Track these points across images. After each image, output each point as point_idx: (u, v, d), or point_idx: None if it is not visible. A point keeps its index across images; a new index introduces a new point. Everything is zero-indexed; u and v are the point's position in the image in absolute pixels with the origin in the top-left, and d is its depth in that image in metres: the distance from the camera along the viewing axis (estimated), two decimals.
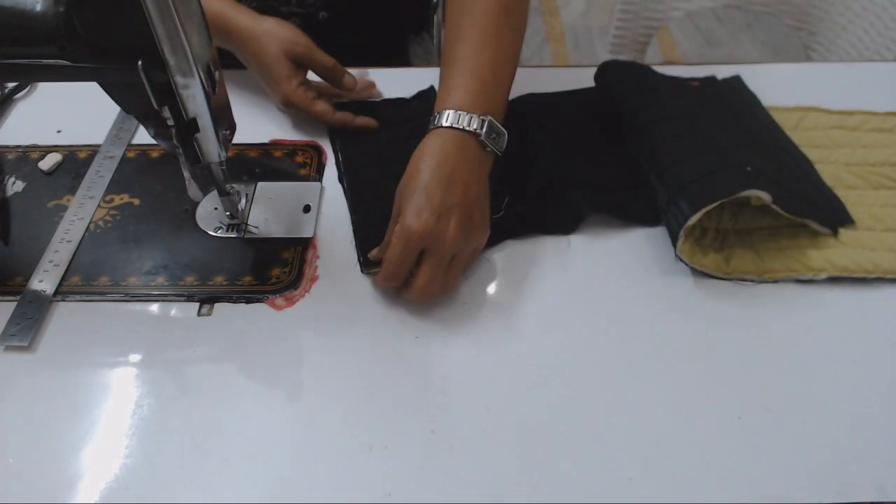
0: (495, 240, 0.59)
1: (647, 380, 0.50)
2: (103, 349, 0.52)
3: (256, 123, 0.70)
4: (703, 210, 0.53)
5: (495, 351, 0.52)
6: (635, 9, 1.16)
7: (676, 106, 0.64)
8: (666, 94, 0.66)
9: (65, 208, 0.61)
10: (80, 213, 0.61)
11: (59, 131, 0.69)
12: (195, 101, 0.47)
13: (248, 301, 0.55)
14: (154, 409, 0.49)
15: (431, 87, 0.73)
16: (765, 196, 0.54)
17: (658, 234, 0.59)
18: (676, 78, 0.72)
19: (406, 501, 0.44)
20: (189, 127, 0.48)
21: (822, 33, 1.10)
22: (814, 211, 0.58)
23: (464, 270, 0.55)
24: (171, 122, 0.48)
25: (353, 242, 0.59)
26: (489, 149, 0.55)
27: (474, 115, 0.54)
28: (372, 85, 0.74)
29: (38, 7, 0.43)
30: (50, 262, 0.57)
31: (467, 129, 0.53)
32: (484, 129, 0.54)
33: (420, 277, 0.51)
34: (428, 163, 0.52)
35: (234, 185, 0.58)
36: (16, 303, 0.54)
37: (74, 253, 0.58)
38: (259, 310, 0.54)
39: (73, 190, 0.63)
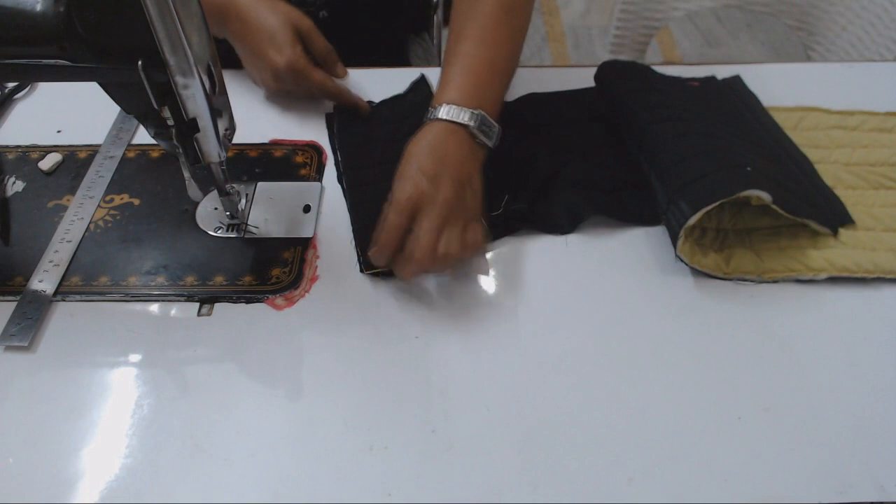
0: (494, 237, 0.59)
1: (647, 380, 0.50)
2: (103, 349, 0.52)
3: (256, 123, 0.70)
4: (703, 210, 0.53)
5: (495, 351, 0.52)
6: (635, 9, 1.16)
7: (676, 106, 0.64)
8: (666, 94, 0.66)
9: (65, 208, 0.61)
10: (80, 213, 0.61)
11: (59, 131, 0.69)
12: (195, 101, 0.47)
13: (248, 301, 0.55)
14: (154, 409, 0.49)
15: (422, 77, 0.73)
16: (765, 196, 0.54)
17: (658, 233, 0.59)
18: (676, 78, 0.72)
19: (406, 501, 0.44)
20: (189, 127, 0.48)
21: (822, 33, 1.10)
22: (814, 211, 0.58)
23: (459, 250, 0.52)
24: (171, 122, 0.48)
25: (353, 242, 0.59)
26: (480, 140, 0.57)
27: (466, 109, 0.56)
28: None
29: (38, 7, 0.43)
30: (50, 262, 0.57)
31: (459, 122, 0.56)
32: (475, 123, 0.56)
33: (412, 239, 0.51)
34: (422, 148, 0.55)
35: (234, 185, 0.58)
36: (16, 303, 0.54)
37: (74, 253, 0.58)
38: (259, 310, 0.54)
39: (73, 190, 0.63)
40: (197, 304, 0.55)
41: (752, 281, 0.56)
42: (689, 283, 0.56)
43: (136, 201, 0.62)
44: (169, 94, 0.46)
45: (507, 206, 0.60)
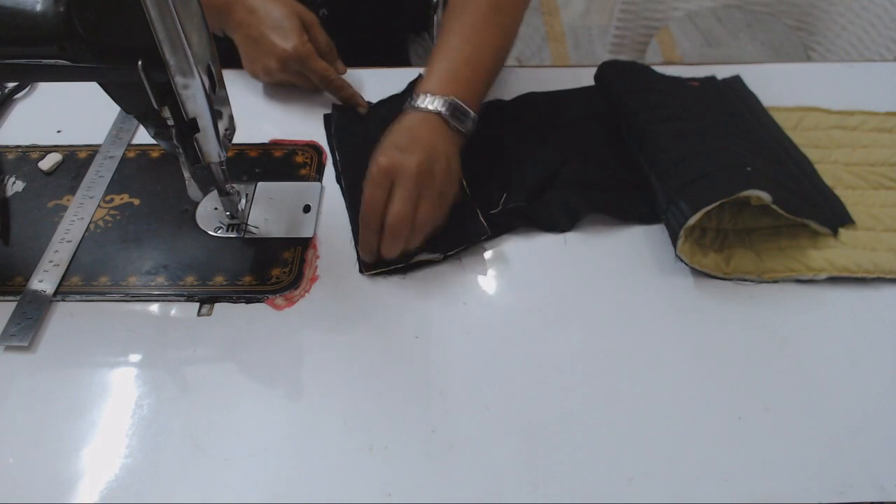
0: (493, 235, 0.59)
1: (647, 380, 0.50)
2: (103, 349, 0.52)
3: (256, 123, 0.70)
4: (703, 210, 0.53)
5: (495, 351, 0.52)
6: (635, 9, 1.16)
7: (676, 106, 0.64)
8: (666, 94, 0.66)
9: (65, 208, 0.61)
10: (80, 213, 0.61)
11: (59, 131, 0.69)
12: (195, 101, 0.47)
13: (248, 301, 0.55)
14: (154, 409, 0.49)
15: (420, 77, 0.73)
16: (765, 196, 0.54)
17: (658, 233, 0.59)
18: (676, 78, 0.72)
19: (406, 501, 0.44)
20: (189, 127, 0.48)
21: (822, 33, 1.10)
22: (814, 211, 0.58)
23: (434, 216, 0.56)
24: (171, 122, 0.48)
25: (352, 242, 0.59)
26: (453, 126, 0.60)
27: (438, 97, 0.60)
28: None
29: (38, 7, 0.43)
30: (50, 262, 0.57)
31: (431, 108, 0.59)
32: (446, 109, 0.59)
33: (390, 205, 0.54)
34: (397, 130, 0.59)
35: (234, 185, 0.58)
36: (16, 303, 0.54)
37: (74, 253, 0.58)
38: (259, 310, 0.54)
39: (73, 190, 0.63)
40: (197, 304, 0.55)
41: (752, 281, 0.56)
42: (689, 283, 0.56)
43: (136, 201, 0.62)
44: (169, 94, 0.46)
45: (505, 204, 0.60)
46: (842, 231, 0.59)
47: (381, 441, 0.47)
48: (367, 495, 0.44)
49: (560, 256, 0.58)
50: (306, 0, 0.78)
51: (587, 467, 0.46)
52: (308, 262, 0.58)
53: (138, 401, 0.49)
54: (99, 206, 0.62)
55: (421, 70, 0.72)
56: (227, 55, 0.67)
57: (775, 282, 0.56)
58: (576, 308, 0.55)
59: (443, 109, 0.59)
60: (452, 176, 0.58)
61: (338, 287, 0.56)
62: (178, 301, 0.55)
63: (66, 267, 0.56)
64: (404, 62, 0.93)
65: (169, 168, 0.64)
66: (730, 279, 0.56)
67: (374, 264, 0.57)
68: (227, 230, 0.60)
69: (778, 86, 0.73)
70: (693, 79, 0.74)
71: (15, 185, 0.64)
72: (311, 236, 0.59)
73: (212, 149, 0.50)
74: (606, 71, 0.69)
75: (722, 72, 0.75)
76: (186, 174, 0.52)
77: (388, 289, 0.56)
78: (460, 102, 0.60)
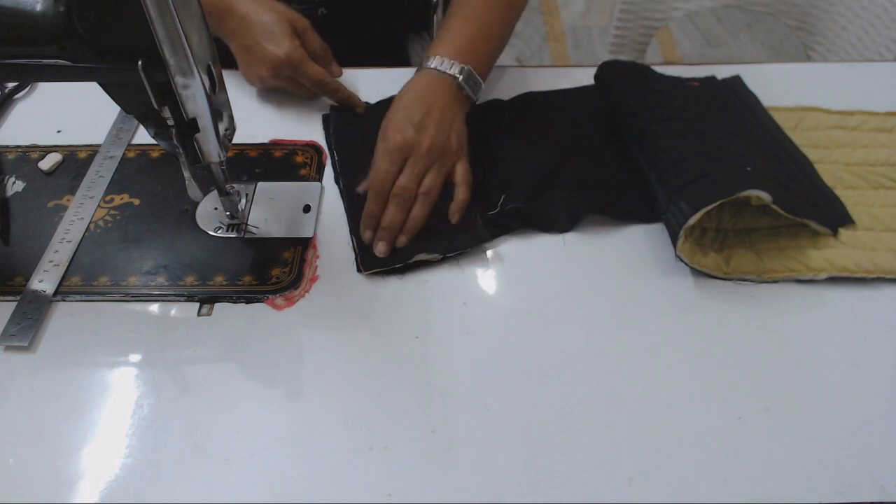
0: (493, 236, 0.59)
1: (647, 380, 0.50)
2: (103, 349, 0.52)
3: (256, 123, 0.70)
4: (703, 210, 0.53)
5: (495, 351, 0.52)
6: (635, 9, 1.16)
7: (676, 106, 0.64)
8: (666, 94, 0.66)
9: (65, 208, 0.61)
10: (80, 213, 0.61)
11: (59, 131, 0.69)
12: (195, 101, 0.47)
13: (248, 301, 0.55)
14: (154, 409, 0.49)
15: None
16: (765, 196, 0.54)
17: (658, 233, 0.59)
18: (676, 78, 0.72)
19: (406, 501, 0.44)
20: (189, 127, 0.48)
21: (822, 33, 1.10)
22: (814, 211, 0.58)
23: (438, 185, 0.60)
24: (171, 122, 0.48)
25: (351, 242, 0.59)
26: (465, 92, 0.64)
27: (456, 63, 0.63)
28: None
29: (38, 7, 0.43)
30: (50, 262, 0.57)
31: (448, 72, 0.63)
32: (462, 76, 0.63)
33: (401, 177, 0.59)
34: (411, 95, 0.62)
35: (234, 185, 0.58)
36: (16, 303, 0.54)
37: (74, 253, 0.58)
38: (259, 310, 0.54)
39: (73, 190, 0.63)
40: (197, 304, 0.55)
41: (752, 281, 0.56)
42: (689, 283, 0.56)
43: (136, 201, 0.62)
44: (169, 94, 0.46)
45: (503, 205, 0.60)
46: (842, 231, 0.59)
47: (381, 441, 0.47)
48: (367, 495, 0.44)
49: (560, 257, 0.58)
50: (305, 0, 0.78)
51: (587, 467, 0.46)
52: (308, 262, 0.58)
53: (138, 401, 0.49)
54: (99, 206, 0.62)
55: None
56: (227, 55, 0.67)
57: (775, 282, 0.56)
58: (576, 308, 0.55)
59: (460, 76, 0.63)
60: (462, 145, 0.62)
61: (338, 287, 0.56)
62: (178, 301, 0.55)
63: (66, 267, 0.56)
64: (404, 62, 0.93)
65: (169, 168, 0.64)
66: (730, 279, 0.56)
67: (373, 263, 0.57)
68: (227, 230, 0.60)
69: (778, 86, 0.73)
70: (693, 79, 0.74)
71: (15, 185, 0.64)
72: (311, 236, 0.59)
73: (212, 149, 0.50)
74: (606, 71, 0.69)
75: (722, 72, 0.75)
76: (186, 174, 0.52)
77: (388, 289, 0.56)
78: (475, 73, 0.64)
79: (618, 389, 0.50)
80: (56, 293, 0.55)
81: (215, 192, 0.58)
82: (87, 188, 0.63)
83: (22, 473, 0.46)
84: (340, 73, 0.72)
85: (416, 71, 0.65)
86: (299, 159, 0.67)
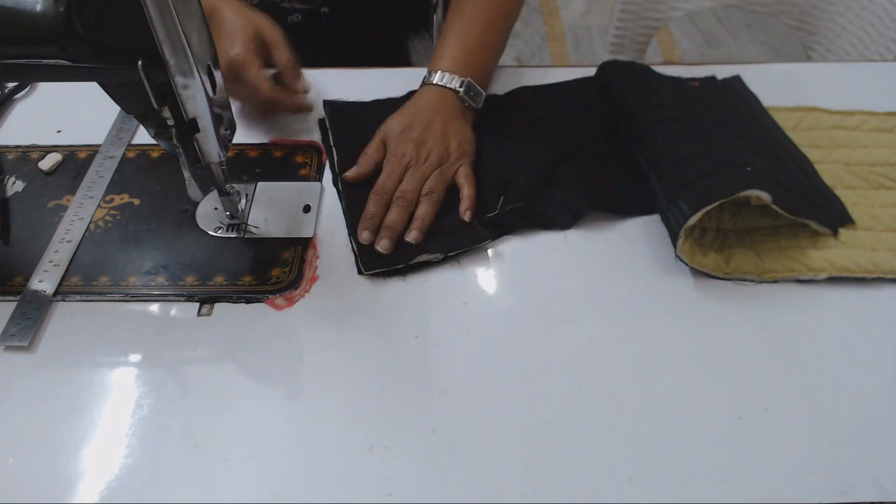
0: (493, 237, 0.59)
1: (646, 380, 0.50)
2: (103, 349, 0.52)
3: (256, 123, 0.70)
4: (703, 210, 0.53)
5: (495, 351, 0.52)
6: (635, 9, 1.16)
7: (676, 106, 0.64)
8: (666, 94, 0.66)
9: (65, 208, 0.61)
10: (80, 213, 0.61)
11: (59, 131, 0.69)
12: (195, 101, 0.47)
13: (248, 301, 0.55)
14: (154, 409, 0.49)
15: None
16: (765, 196, 0.54)
17: (657, 232, 0.59)
18: (676, 78, 0.72)
19: (406, 501, 0.44)
20: (189, 127, 0.48)
21: (822, 33, 1.10)
22: (814, 211, 0.58)
23: (443, 185, 0.62)
24: (171, 122, 0.48)
25: (350, 243, 0.59)
26: (468, 104, 0.67)
27: (457, 77, 0.66)
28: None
29: (38, 7, 0.43)
30: (50, 262, 0.57)
31: (450, 87, 0.66)
32: (464, 89, 0.66)
33: (402, 183, 0.61)
34: (414, 109, 0.65)
35: (234, 185, 0.58)
36: (16, 303, 0.54)
37: (74, 253, 0.58)
38: (259, 310, 0.54)
39: (73, 190, 0.63)
40: (197, 304, 0.55)
41: (752, 281, 0.56)
42: (689, 283, 0.56)
43: (136, 201, 0.62)
44: (169, 94, 0.46)
45: (502, 206, 0.60)
46: (842, 231, 0.59)
47: (381, 441, 0.47)
48: (367, 495, 0.44)
49: (559, 257, 0.58)
50: (308, 0, 0.78)
51: (587, 467, 0.46)
52: (308, 262, 0.58)
53: (138, 401, 0.49)
54: (99, 206, 0.62)
55: (422, 70, 0.72)
56: None
57: (775, 282, 0.56)
58: (575, 308, 0.55)
59: (461, 89, 0.66)
60: (467, 150, 0.65)
61: (338, 287, 0.56)
62: (178, 301, 0.55)
63: (66, 267, 0.56)
64: (404, 62, 0.93)
65: (169, 168, 0.64)
66: (730, 279, 0.56)
67: (374, 264, 0.57)
68: (227, 230, 0.60)
69: (778, 86, 0.73)
70: (693, 79, 0.74)
71: (15, 185, 0.64)
72: (311, 236, 0.59)
73: (212, 149, 0.50)
74: (606, 71, 0.69)
75: (722, 72, 0.75)
76: (186, 174, 0.52)
77: (388, 289, 0.56)
78: (475, 84, 0.67)
79: (618, 389, 0.50)
80: (56, 293, 0.55)
81: (215, 192, 0.58)
82: (87, 188, 0.63)
83: (22, 473, 0.46)
84: (303, 90, 0.69)
85: (420, 85, 0.68)
86: (299, 159, 0.67)
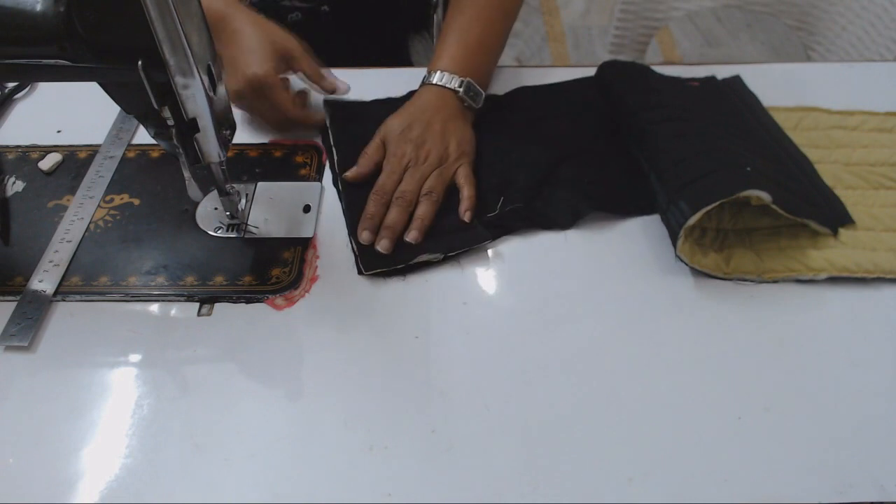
0: (493, 237, 0.59)
1: (646, 380, 0.50)
2: (103, 349, 0.52)
3: (256, 123, 0.70)
4: (703, 210, 0.53)
5: (495, 351, 0.52)
6: (635, 9, 1.16)
7: (676, 106, 0.64)
8: (666, 94, 0.66)
9: (65, 208, 0.61)
10: (80, 213, 0.61)
11: (59, 131, 0.69)
12: (195, 101, 0.47)
13: (248, 301, 0.55)
14: (154, 409, 0.49)
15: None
16: (765, 196, 0.54)
17: (657, 232, 0.59)
18: (676, 78, 0.72)
19: (406, 501, 0.44)
20: (189, 127, 0.48)
21: (822, 33, 1.10)
22: (814, 211, 0.58)
23: (442, 184, 0.62)
24: (171, 122, 0.48)
25: (350, 244, 0.59)
26: (467, 104, 0.67)
27: (456, 77, 0.66)
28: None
29: (38, 7, 0.43)
30: (50, 262, 0.57)
31: (449, 87, 0.66)
32: (463, 89, 0.66)
33: (402, 183, 0.61)
34: (414, 109, 0.65)
35: (234, 185, 0.58)
36: (16, 303, 0.54)
37: (74, 253, 0.58)
38: (259, 310, 0.54)
39: (73, 190, 0.63)
40: (197, 304, 0.55)
41: (752, 281, 0.56)
42: (689, 283, 0.56)
43: (136, 201, 0.62)
44: (169, 94, 0.46)
45: (502, 207, 0.60)
46: (842, 231, 0.59)
47: (381, 441, 0.47)
48: (367, 495, 0.44)
49: (559, 257, 0.58)
50: None
51: (587, 467, 0.46)
52: (308, 262, 0.58)
53: (138, 401, 0.49)
54: (99, 206, 0.62)
55: (422, 70, 0.72)
56: None
57: (775, 282, 0.56)
58: (575, 308, 0.55)
59: (461, 90, 0.66)
60: (467, 149, 0.65)
61: (338, 287, 0.56)
62: (178, 301, 0.55)
63: (66, 267, 0.56)
64: (404, 61, 0.93)
65: (169, 168, 0.64)
66: (730, 279, 0.56)
67: (374, 264, 0.57)
68: (227, 230, 0.60)
69: (778, 86, 0.73)
70: (693, 79, 0.74)
71: (15, 185, 0.64)
72: (311, 236, 0.59)
73: (212, 149, 0.50)
74: (606, 71, 0.69)
75: (722, 72, 0.75)
76: (186, 174, 0.52)
77: (388, 289, 0.56)
78: (475, 84, 0.67)
79: (618, 389, 0.50)
80: (56, 293, 0.55)
81: (215, 192, 0.58)
82: (87, 188, 0.63)
83: (22, 473, 0.46)
84: (332, 89, 0.70)
85: (420, 85, 0.68)
86: (299, 159, 0.67)
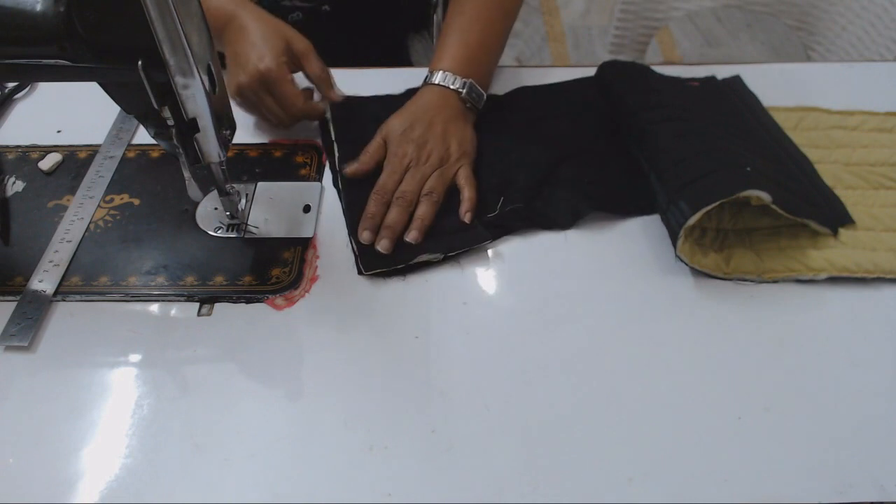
0: (494, 237, 0.59)
1: (647, 380, 0.50)
2: (103, 349, 0.52)
3: (256, 123, 0.70)
4: (703, 210, 0.53)
5: (495, 351, 0.52)
6: (635, 9, 1.16)
7: (676, 106, 0.64)
8: (666, 94, 0.66)
9: (65, 208, 0.61)
10: (80, 213, 0.61)
11: (59, 131, 0.69)
12: (195, 101, 0.47)
13: (248, 301, 0.55)
14: (154, 409, 0.49)
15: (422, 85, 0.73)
16: (765, 196, 0.54)
17: (657, 232, 0.59)
18: (676, 78, 0.72)
19: (406, 501, 0.44)
20: (189, 127, 0.48)
21: (822, 33, 1.10)
22: (814, 211, 0.58)
23: (443, 185, 0.62)
24: (171, 122, 0.48)
25: (350, 244, 0.59)
26: (469, 105, 0.67)
27: (458, 78, 0.66)
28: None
29: (38, 7, 0.43)
30: (50, 262, 0.57)
31: (451, 87, 0.66)
32: (465, 90, 0.66)
33: (402, 183, 0.61)
34: (416, 109, 0.65)
35: (234, 185, 0.58)
36: (16, 303, 0.54)
37: (74, 253, 0.58)
38: (259, 310, 0.54)
39: (73, 190, 0.63)
40: (197, 304, 0.55)
41: (752, 281, 0.56)
42: (689, 283, 0.56)
43: (136, 201, 0.62)
44: (169, 94, 0.46)
45: (502, 207, 0.60)
46: (842, 231, 0.59)
47: (381, 441, 0.47)
48: (367, 495, 0.44)
49: (559, 257, 0.58)
50: None
51: (587, 467, 0.46)
52: (308, 262, 0.58)
53: (138, 401, 0.49)
54: (99, 206, 0.62)
55: (422, 70, 0.72)
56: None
57: (775, 282, 0.56)
58: (575, 308, 0.55)
59: (463, 90, 0.66)
60: (468, 149, 0.65)
61: (338, 287, 0.56)
62: (178, 301, 0.55)
63: (66, 267, 0.56)
64: (404, 61, 0.93)
65: (169, 168, 0.64)
66: (730, 279, 0.56)
67: (374, 264, 0.57)
68: (227, 230, 0.60)
69: (778, 86, 0.73)
70: (693, 79, 0.74)
71: (15, 185, 0.64)
72: (311, 236, 0.59)
73: (212, 149, 0.50)
74: (606, 71, 0.69)
75: (722, 72, 0.75)
76: (186, 174, 0.52)
77: (388, 289, 0.56)
78: (477, 85, 0.67)
79: (618, 389, 0.50)
80: (56, 293, 0.55)
81: (215, 192, 0.58)
82: (87, 188, 0.63)
83: (22, 473, 0.46)
84: (337, 99, 0.69)
85: (422, 85, 0.68)
86: (299, 159, 0.67)
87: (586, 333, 0.53)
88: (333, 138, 0.67)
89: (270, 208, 0.62)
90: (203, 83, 0.46)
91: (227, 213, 0.60)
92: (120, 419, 0.48)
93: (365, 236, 0.58)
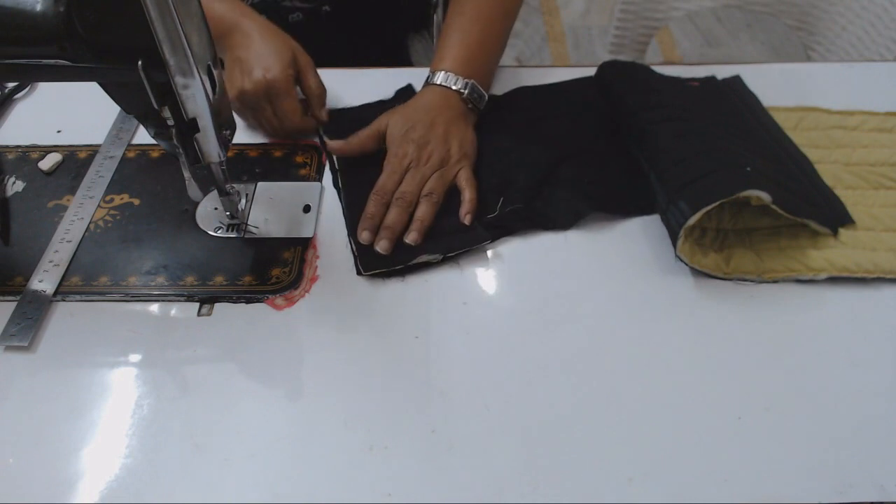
0: (493, 237, 0.59)
1: (647, 380, 0.50)
2: (103, 349, 0.52)
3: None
4: (703, 210, 0.53)
5: (495, 351, 0.52)
6: (635, 9, 1.16)
7: (676, 106, 0.64)
8: (666, 94, 0.66)
9: (65, 208, 0.61)
10: (80, 213, 0.61)
11: (59, 131, 0.69)
12: (195, 101, 0.47)
13: (248, 301, 0.55)
14: (154, 409, 0.49)
15: (409, 85, 0.73)
16: (765, 196, 0.54)
17: (657, 232, 0.59)
18: (676, 78, 0.72)
19: (406, 501, 0.44)
20: (189, 127, 0.48)
21: (822, 33, 1.10)
22: (814, 211, 0.58)
23: (442, 186, 0.62)
24: (171, 122, 0.48)
25: (349, 244, 0.59)
26: (470, 106, 0.67)
27: (460, 78, 0.66)
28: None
29: (38, 7, 0.43)
30: (50, 262, 0.57)
31: (453, 88, 0.66)
32: (467, 91, 0.66)
33: (402, 184, 0.61)
34: (418, 108, 0.65)
35: (234, 185, 0.58)
36: (16, 303, 0.54)
37: (74, 253, 0.58)
38: (259, 310, 0.54)
39: (73, 190, 0.63)
40: (197, 304, 0.55)
41: (752, 281, 0.56)
42: (689, 283, 0.56)
43: (136, 201, 0.62)
44: (169, 94, 0.46)
45: (502, 207, 0.60)
46: (842, 231, 0.59)
47: (381, 441, 0.47)
48: (367, 495, 0.44)
49: (559, 257, 0.58)
50: None
51: (587, 467, 0.46)
52: (308, 262, 0.58)
53: (138, 401, 0.49)
54: (99, 206, 0.62)
55: (422, 70, 0.73)
56: None
57: (775, 282, 0.56)
58: (575, 308, 0.55)
59: (464, 91, 0.66)
60: (469, 151, 0.64)
61: (338, 287, 0.56)
62: (178, 301, 0.55)
63: (66, 267, 0.56)
64: (404, 61, 0.93)
65: (169, 168, 0.64)
66: (730, 279, 0.56)
67: (373, 264, 0.57)
68: (227, 230, 0.60)
69: (778, 86, 0.73)
70: (693, 79, 0.74)
71: (15, 185, 0.64)
72: (311, 236, 0.59)
73: (212, 149, 0.50)
74: (606, 71, 0.69)
75: (722, 72, 0.75)
76: (186, 174, 0.52)
77: (388, 289, 0.56)
78: (478, 86, 0.67)
79: (618, 389, 0.50)
80: (56, 293, 0.55)
81: (215, 192, 0.58)
82: (87, 188, 0.63)
83: (22, 473, 0.46)
84: (326, 119, 0.68)
85: (424, 85, 0.68)
86: (299, 159, 0.67)
87: (586, 333, 0.53)
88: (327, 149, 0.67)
89: (270, 208, 0.62)
90: (203, 83, 0.46)
91: (227, 213, 0.60)
92: (120, 419, 0.48)
93: (364, 237, 0.58)
